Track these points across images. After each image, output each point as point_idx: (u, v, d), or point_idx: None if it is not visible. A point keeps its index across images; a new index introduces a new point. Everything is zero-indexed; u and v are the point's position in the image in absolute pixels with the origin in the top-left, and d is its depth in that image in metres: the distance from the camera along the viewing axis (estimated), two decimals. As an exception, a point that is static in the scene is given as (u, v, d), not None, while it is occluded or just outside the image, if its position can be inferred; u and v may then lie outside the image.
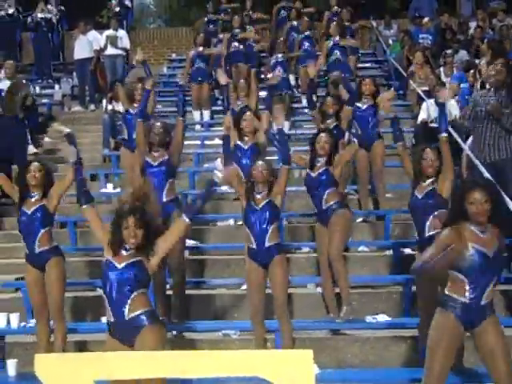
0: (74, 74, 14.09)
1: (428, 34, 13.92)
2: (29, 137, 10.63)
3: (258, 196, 5.81)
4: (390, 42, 14.59)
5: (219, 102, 12.98)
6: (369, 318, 6.50)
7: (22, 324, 6.57)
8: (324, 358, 5.95)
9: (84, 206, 4.87)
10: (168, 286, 6.69)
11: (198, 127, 12.18)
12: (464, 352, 5.31)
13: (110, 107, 10.94)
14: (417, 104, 11.06)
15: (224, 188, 9.14)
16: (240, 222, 7.55)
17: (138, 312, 4.43)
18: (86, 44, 13.44)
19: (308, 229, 8.01)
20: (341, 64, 11.76)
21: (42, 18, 14.83)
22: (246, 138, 7.43)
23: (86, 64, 13.42)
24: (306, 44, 12.61)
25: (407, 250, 7.48)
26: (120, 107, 9.93)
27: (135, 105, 8.66)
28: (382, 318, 6.50)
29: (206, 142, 11.28)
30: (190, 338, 6.37)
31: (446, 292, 4.38)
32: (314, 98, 8.86)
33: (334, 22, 12.03)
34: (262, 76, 12.98)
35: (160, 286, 6.38)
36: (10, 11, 14.98)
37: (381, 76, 13.91)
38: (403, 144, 6.30)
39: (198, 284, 7.41)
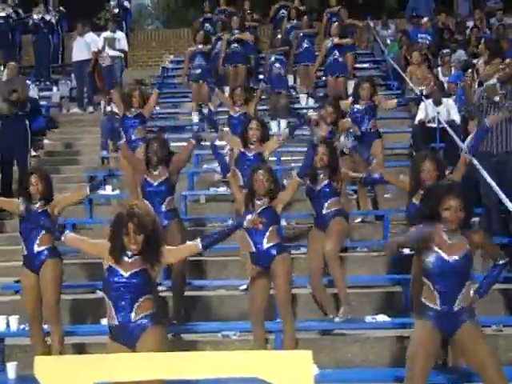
0: (73, 75, 14.09)
1: (427, 33, 13.94)
2: (29, 140, 10.60)
3: (258, 202, 5.81)
4: (388, 41, 14.60)
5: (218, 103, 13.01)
6: (368, 318, 6.51)
7: (22, 326, 6.55)
8: (323, 359, 5.96)
9: (62, 238, 4.88)
10: (165, 288, 6.71)
11: (196, 128, 12.16)
12: (448, 352, 5.33)
13: (108, 109, 10.94)
14: (414, 104, 11.07)
15: (223, 189, 9.16)
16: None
17: (142, 315, 4.47)
18: (83, 46, 13.44)
19: (307, 230, 8.00)
20: (339, 64, 11.78)
21: (40, 20, 14.83)
22: (252, 146, 7.32)
23: (84, 66, 13.42)
24: (306, 42, 12.57)
25: (406, 251, 7.48)
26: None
27: (132, 109, 8.66)
28: (382, 318, 6.51)
29: (205, 143, 11.26)
30: (190, 339, 6.37)
31: (422, 300, 4.41)
32: None
33: (336, 23, 12.03)
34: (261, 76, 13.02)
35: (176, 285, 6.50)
36: (4, 14, 14.95)
37: (378, 76, 13.92)
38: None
39: (196, 285, 7.41)
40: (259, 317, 5.85)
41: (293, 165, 9.07)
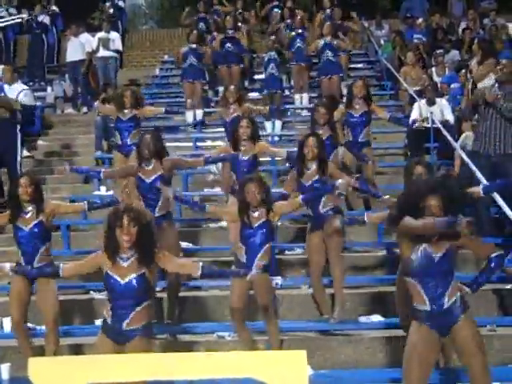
0: (67, 76, 14.08)
1: (421, 34, 13.97)
2: (19, 144, 10.56)
3: (254, 214, 5.76)
4: (382, 42, 14.64)
5: (212, 104, 13.02)
6: (363, 319, 6.52)
7: (16, 328, 6.55)
8: (317, 359, 5.96)
9: (61, 274, 4.88)
10: (160, 288, 6.69)
11: (190, 128, 12.17)
12: (451, 353, 5.34)
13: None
14: (409, 104, 11.10)
15: (216, 190, 9.16)
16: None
17: (135, 326, 4.51)
18: (78, 46, 13.42)
19: (300, 230, 8.02)
20: (332, 64, 11.78)
21: (32, 20, 14.80)
22: (243, 148, 7.30)
23: (78, 66, 13.41)
24: (298, 42, 12.56)
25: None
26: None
27: (126, 111, 8.64)
28: (376, 318, 6.51)
29: (199, 144, 11.28)
30: (184, 340, 6.37)
31: (414, 304, 4.40)
32: None
33: (328, 23, 12.04)
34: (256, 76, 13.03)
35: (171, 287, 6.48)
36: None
37: (373, 76, 13.95)
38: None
39: (191, 286, 7.40)
40: (238, 316, 5.85)
41: (287, 165, 9.07)
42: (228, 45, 12.62)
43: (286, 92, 12.90)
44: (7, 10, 15.45)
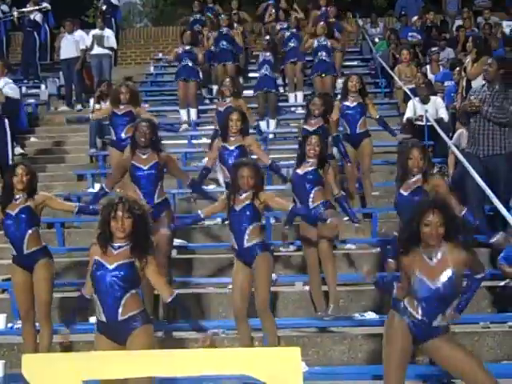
0: (61, 73, 14.04)
1: (416, 32, 13.98)
2: (9, 138, 10.52)
3: (240, 197, 5.74)
4: (377, 40, 14.64)
5: (207, 101, 13.00)
6: (357, 316, 6.54)
7: (10, 325, 6.55)
8: (312, 356, 5.97)
9: (85, 295, 4.76)
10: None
11: (184, 126, 12.15)
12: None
13: (97, 106, 10.91)
14: (403, 102, 11.11)
15: (212, 187, 9.15)
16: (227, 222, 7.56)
17: (131, 313, 4.43)
18: (72, 43, 13.38)
19: (294, 227, 8.02)
20: (326, 64, 11.77)
21: (23, 18, 14.75)
22: (232, 139, 7.33)
23: (73, 64, 13.37)
24: (292, 41, 12.56)
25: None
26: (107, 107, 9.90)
27: (121, 106, 8.63)
28: (370, 315, 6.53)
29: (193, 141, 11.27)
30: (179, 337, 6.37)
31: (405, 302, 4.34)
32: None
33: (321, 22, 12.03)
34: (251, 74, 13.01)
35: (149, 285, 6.36)
36: None
37: (367, 74, 13.95)
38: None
39: (186, 283, 7.40)
40: (241, 315, 5.83)
41: (282, 163, 9.07)
42: (223, 43, 12.61)
43: (281, 90, 12.89)
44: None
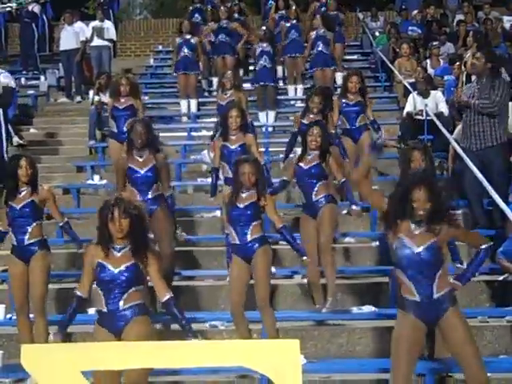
0: (60, 65, 14.01)
1: (416, 26, 13.96)
2: (10, 128, 10.51)
3: (243, 195, 5.74)
4: (377, 34, 14.61)
5: (206, 94, 12.98)
6: (355, 309, 6.54)
7: (9, 316, 6.55)
8: (310, 349, 5.98)
9: (81, 296, 4.69)
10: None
11: (184, 118, 12.14)
12: (435, 344, 5.36)
13: (96, 98, 10.90)
14: (403, 96, 11.09)
15: (210, 180, 9.14)
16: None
17: (130, 304, 4.50)
18: (72, 35, 13.35)
19: (294, 220, 8.02)
20: (324, 56, 11.74)
21: (19, 8, 14.70)
22: (233, 137, 7.30)
23: (72, 55, 13.34)
24: (293, 33, 12.51)
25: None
26: (106, 98, 9.90)
27: (122, 99, 8.62)
28: (368, 308, 6.54)
29: (193, 134, 11.26)
30: (177, 328, 6.36)
31: (401, 294, 4.43)
32: None
33: (319, 15, 11.99)
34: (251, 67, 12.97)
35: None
36: None
37: (367, 68, 13.93)
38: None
39: (184, 275, 7.41)
40: (238, 310, 5.83)
41: (281, 156, 9.07)
42: (222, 36, 12.56)
43: (280, 83, 12.86)
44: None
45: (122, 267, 4.50)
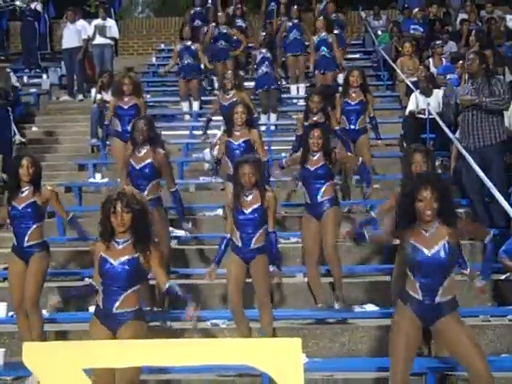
0: (62, 63, 14.01)
1: (419, 25, 13.94)
2: (14, 127, 10.53)
3: (247, 199, 5.75)
4: (379, 32, 14.60)
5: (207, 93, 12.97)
6: (357, 308, 6.54)
7: (10, 313, 6.55)
8: (312, 348, 5.98)
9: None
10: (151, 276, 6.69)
11: (186, 117, 12.13)
12: (431, 341, 5.36)
13: (98, 97, 10.90)
14: (405, 95, 11.08)
15: (212, 178, 9.14)
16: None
17: (124, 309, 4.54)
18: (74, 33, 13.34)
19: (296, 219, 8.01)
20: (327, 60, 11.70)
21: (25, 7, 14.69)
22: (237, 134, 7.31)
23: (75, 53, 13.34)
24: (294, 32, 12.47)
25: (395, 240, 7.49)
26: (109, 97, 9.89)
27: (126, 99, 8.62)
28: (370, 307, 6.53)
29: (195, 132, 11.25)
30: (178, 327, 6.37)
31: (406, 288, 4.42)
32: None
33: (321, 18, 11.96)
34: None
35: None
36: None
37: (369, 67, 13.92)
38: None
39: (185, 273, 7.41)
40: (238, 309, 5.85)
41: (283, 154, 9.07)
42: (221, 42, 12.50)
43: (283, 82, 12.84)
44: None
45: (122, 260, 4.51)
